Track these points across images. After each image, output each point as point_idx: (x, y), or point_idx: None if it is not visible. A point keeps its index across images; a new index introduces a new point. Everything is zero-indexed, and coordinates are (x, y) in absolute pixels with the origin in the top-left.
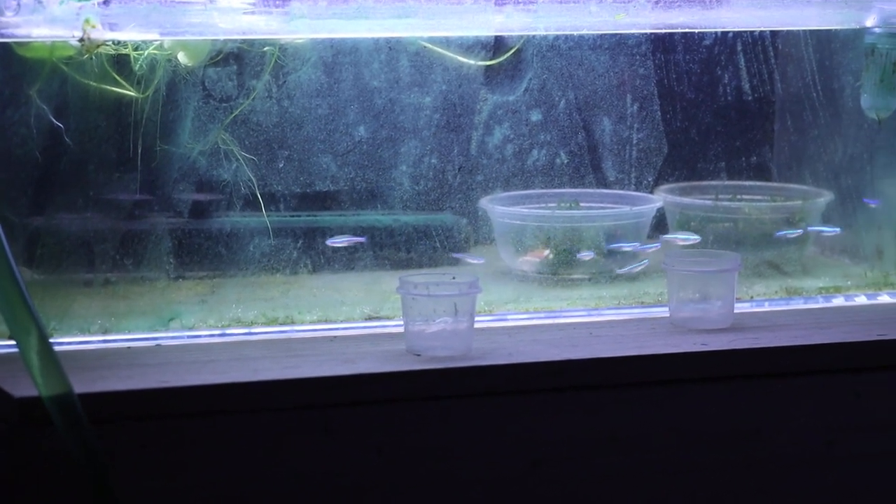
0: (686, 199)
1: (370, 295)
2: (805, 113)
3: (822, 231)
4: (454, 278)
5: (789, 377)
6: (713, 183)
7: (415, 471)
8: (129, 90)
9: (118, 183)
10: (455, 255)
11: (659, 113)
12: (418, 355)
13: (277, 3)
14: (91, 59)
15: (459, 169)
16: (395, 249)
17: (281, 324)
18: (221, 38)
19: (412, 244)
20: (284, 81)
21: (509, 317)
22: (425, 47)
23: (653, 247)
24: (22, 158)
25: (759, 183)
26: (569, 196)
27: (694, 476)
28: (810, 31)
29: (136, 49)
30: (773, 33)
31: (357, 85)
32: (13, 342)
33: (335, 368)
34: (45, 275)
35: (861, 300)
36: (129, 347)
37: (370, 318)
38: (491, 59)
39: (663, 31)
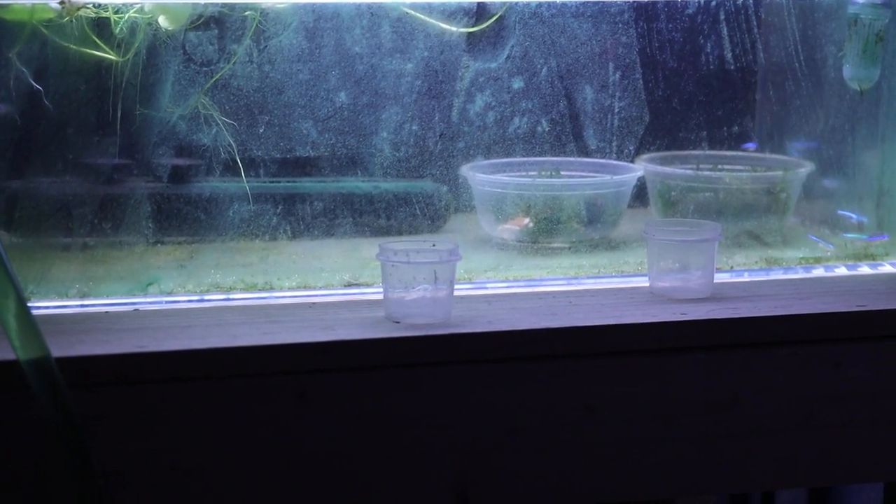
0: (667, 169)
1: (350, 262)
2: (787, 83)
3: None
4: (434, 246)
5: (769, 347)
6: (694, 152)
7: (392, 438)
8: (110, 54)
9: (97, 147)
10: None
11: (641, 82)
12: (397, 322)
13: None
14: (71, 21)
15: (440, 136)
16: (375, 216)
17: (260, 290)
18: (202, 1)
19: (392, 211)
20: (265, 46)
21: (489, 285)
22: (407, 13)
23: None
24: (1, 121)
25: (740, 153)
26: (550, 164)
27: (672, 446)
28: (793, 0)
29: (116, 12)
30: (757, 2)
31: (338, 51)
32: None
33: (314, 335)
34: (24, 238)
35: (841, 271)
36: (107, 312)
37: (349, 285)
38: (473, 26)
39: None
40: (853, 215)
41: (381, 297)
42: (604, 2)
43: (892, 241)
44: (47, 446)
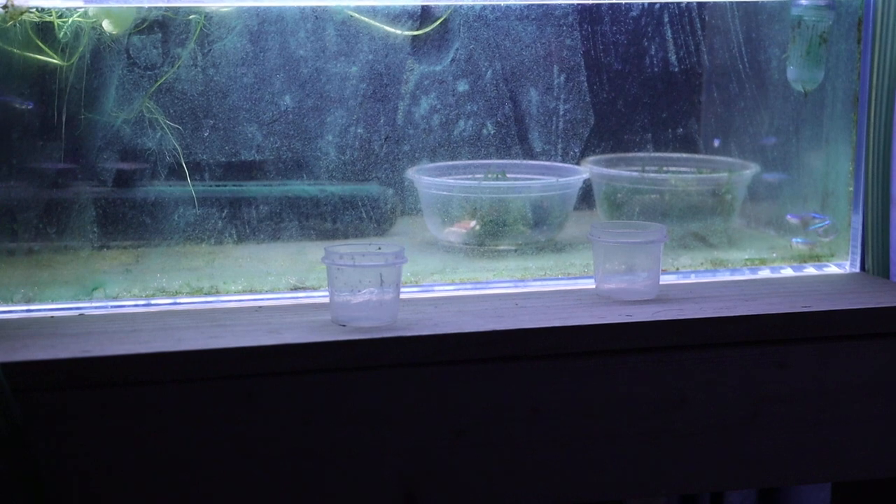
0: (613, 171)
1: (296, 265)
2: (732, 85)
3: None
4: (380, 249)
5: (714, 348)
6: (640, 154)
7: (340, 440)
8: (54, 58)
9: (42, 151)
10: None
11: (586, 84)
12: (343, 326)
13: None
14: (15, 26)
15: (386, 139)
16: (321, 220)
17: (206, 294)
18: (146, 5)
19: (338, 214)
20: (210, 50)
21: (435, 288)
22: (352, 16)
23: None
24: None
25: (685, 155)
26: (495, 167)
27: (619, 447)
28: (737, 2)
29: (60, 16)
30: (700, 5)
31: (283, 54)
32: None
33: (260, 339)
34: None
35: (787, 272)
36: (52, 317)
37: (296, 289)
38: (418, 30)
39: (591, 1)
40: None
41: (327, 300)
42: (548, 4)
43: (835, 241)
44: None
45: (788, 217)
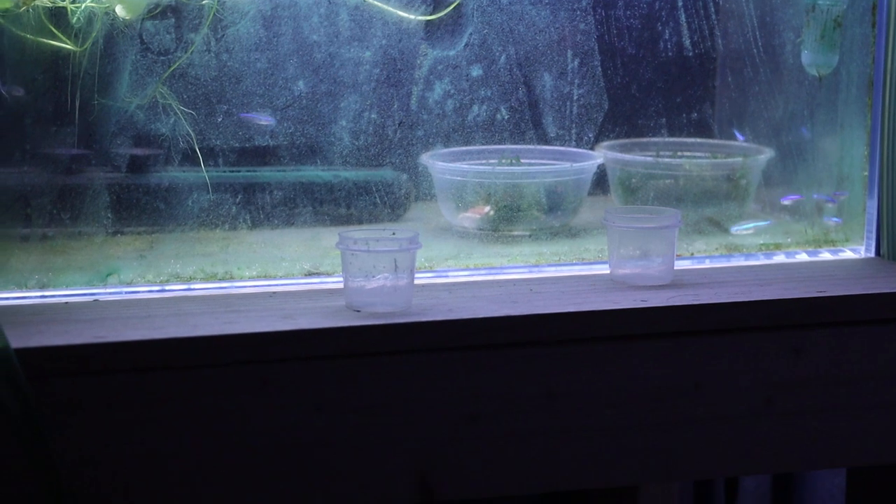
0: (627, 156)
1: (310, 251)
2: (746, 69)
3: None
4: (394, 234)
5: (729, 333)
6: (654, 139)
7: (354, 426)
8: (67, 43)
9: (55, 137)
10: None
11: (600, 69)
12: (358, 311)
13: None
14: (28, 11)
15: (400, 124)
16: (335, 205)
17: (220, 279)
18: None
19: (352, 200)
20: (223, 35)
21: (450, 273)
22: (365, 1)
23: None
24: None
25: (700, 139)
26: (509, 152)
27: (634, 432)
28: None
29: (73, 2)
30: None
31: (296, 39)
32: None
33: (274, 324)
34: None
35: (802, 257)
36: (66, 303)
37: (310, 274)
38: (431, 14)
39: None
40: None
41: (341, 286)
42: None
43: (850, 226)
44: (6, 437)
45: (782, 200)
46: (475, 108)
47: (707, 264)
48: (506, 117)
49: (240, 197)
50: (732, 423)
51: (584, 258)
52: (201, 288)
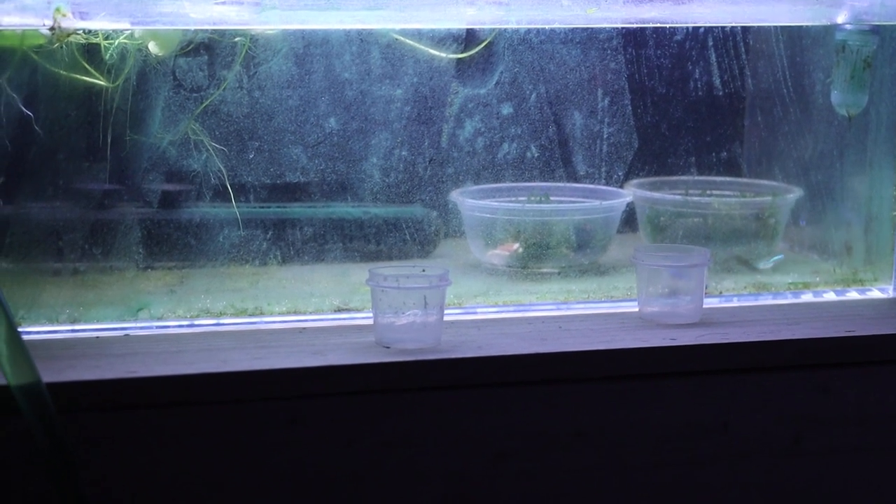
0: (656, 194)
1: (340, 286)
2: (775, 109)
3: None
4: (424, 271)
5: (757, 372)
6: (683, 178)
7: (381, 463)
8: (100, 79)
9: (87, 172)
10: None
11: (630, 107)
12: (387, 347)
13: None
14: (61, 47)
15: (430, 161)
16: (364, 241)
17: (250, 315)
18: (192, 28)
19: (382, 236)
20: (255, 72)
21: (479, 310)
22: (397, 39)
23: None
24: None
25: (729, 178)
26: (539, 190)
27: (660, 471)
28: (781, 27)
29: (106, 38)
30: (745, 29)
31: (328, 76)
32: None
33: (304, 360)
34: (14, 263)
35: (830, 296)
36: (97, 337)
37: (339, 310)
38: (462, 52)
39: (635, 25)
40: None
41: (370, 322)
42: (592, 28)
43: (878, 266)
44: (37, 472)
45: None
46: (505, 145)
47: (735, 303)
48: (535, 155)
49: (270, 233)
50: (761, 462)
51: (613, 296)
52: (231, 323)
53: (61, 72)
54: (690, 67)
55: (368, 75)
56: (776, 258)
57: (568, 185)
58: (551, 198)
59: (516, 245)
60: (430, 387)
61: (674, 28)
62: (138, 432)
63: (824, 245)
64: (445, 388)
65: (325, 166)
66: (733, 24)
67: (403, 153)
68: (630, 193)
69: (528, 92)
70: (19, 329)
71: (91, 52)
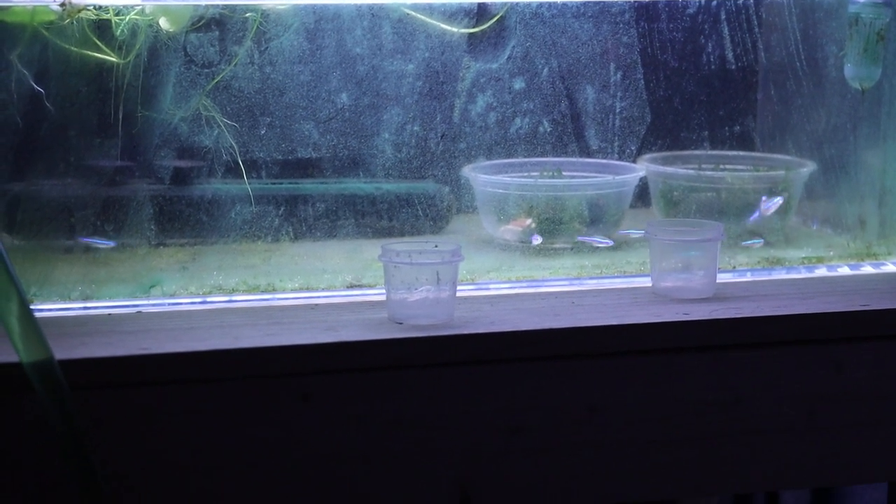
0: (669, 169)
1: (352, 263)
2: (788, 82)
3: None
4: (436, 246)
5: (771, 347)
6: (696, 152)
7: (395, 439)
8: (111, 55)
9: (99, 149)
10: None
11: (642, 82)
12: (400, 323)
13: None
14: (72, 23)
15: (442, 137)
16: (377, 217)
17: (262, 291)
18: (203, 3)
19: (394, 212)
20: (266, 48)
21: (491, 286)
22: (408, 14)
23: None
24: (2, 123)
25: (742, 153)
26: (551, 165)
27: (675, 446)
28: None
29: (117, 14)
30: (757, 2)
31: (339, 52)
32: None
33: (316, 336)
34: (26, 240)
35: (844, 270)
36: (109, 314)
37: (352, 286)
38: (474, 27)
39: None
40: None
41: (383, 298)
42: (605, 2)
43: (893, 239)
44: (50, 449)
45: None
46: (517, 120)
47: (749, 277)
48: (548, 130)
49: (282, 209)
50: (774, 437)
51: (626, 271)
52: (243, 300)
53: (72, 48)
54: (703, 41)
55: (380, 50)
56: (755, 241)
57: (580, 160)
58: (564, 173)
59: (529, 220)
60: (443, 363)
61: (686, 1)
62: (151, 409)
63: (838, 219)
64: (458, 364)
65: (336, 142)
66: None
67: (415, 128)
68: (643, 168)
69: (540, 66)
70: (31, 306)
71: (102, 28)
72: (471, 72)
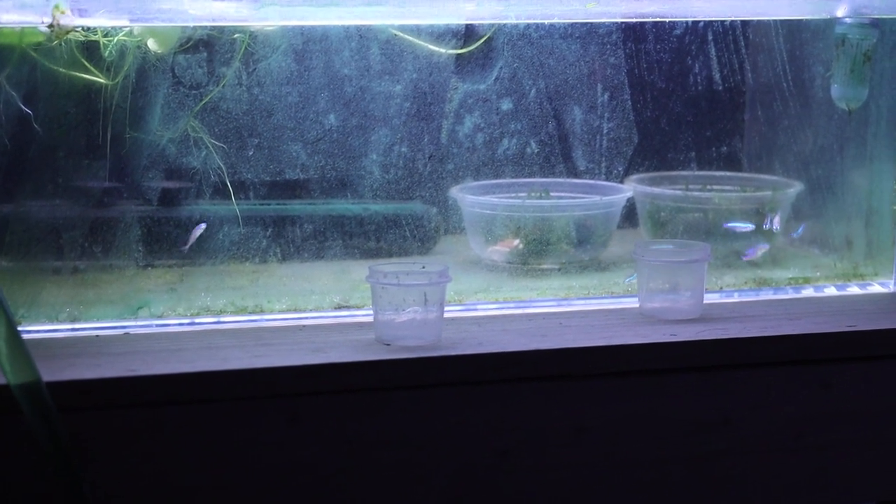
0: (656, 189)
1: (340, 284)
2: (776, 103)
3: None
4: (424, 268)
5: (758, 368)
6: (683, 173)
7: (383, 460)
8: (99, 77)
9: (87, 170)
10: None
11: (629, 102)
12: (388, 345)
13: None
14: (60, 45)
15: (430, 158)
16: (364, 238)
17: (250, 312)
18: (191, 24)
19: (382, 233)
20: (254, 69)
21: (479, 307)
22: (396, 35)
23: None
24: None
25: (729, 173)
26: (539, 185)
27: (662, 467)
28: (781, 20)
29: (105, 35)
30: (744, 23)
31: (327, 73)
32: None
33: (304, 357)
34: (14, 262)
35: (831, 291)
36: (97, 336)
37: (340, 308)
38: (462, 48)
39: (634, 20)
40: (842, 234)
41: (371, 319)
42: (592, 23)
43: (879, 260)
44: (38, 470)
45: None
46: (505, 141)
47: (736, 298)
48: (535, 151)
49: (270, 230)
50: (762, 457)
51: (614, 292)
52: (231, 321)
53: (60, 69)
54: (690, 62)
55: (368, 71)
56: (761, 246)
57: (568, 180)
58: (551, 193)
59: (516, 241)
60: (431, 384)
61: (673, 22)
62: (138, 431)
63: (825, 239)
64: (446, 386)
65: (324, 163)
66: (733, 18)
67: (403, 149)
68: (630, 189)
69: (527, 87)
70: (19, 328)
71: (90, 49)
72: (458, 93)
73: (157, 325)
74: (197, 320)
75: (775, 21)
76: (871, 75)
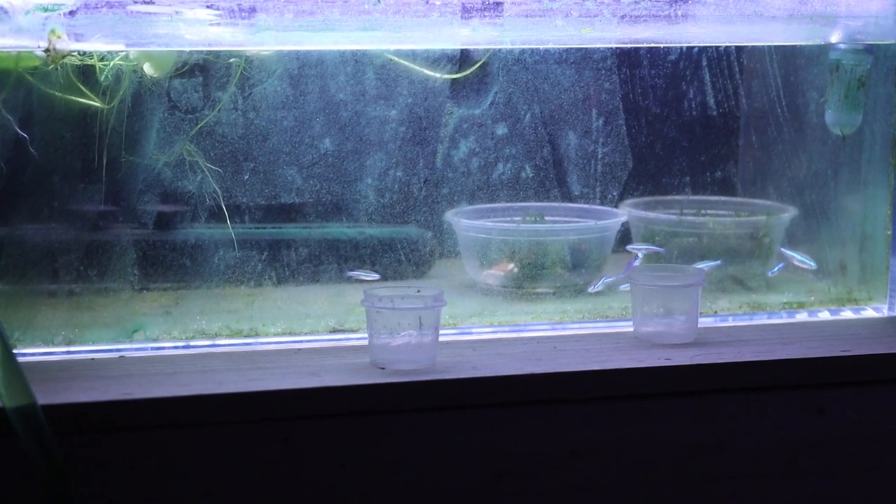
0: (651, 214)
1: (335, 307)
2: (770, 128)
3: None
4: (419, 291)
5: (753, 392)
6: (678, 198)
7: (377, 484)
8: (95, 101)
9: (83, 194)
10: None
11: (624, 127)
12: (382, 368)
13: (243, 14)
14: (57, 69)
15: (425, 182)
16: (359, 262)
17: (245, 336)
18: (187, 49)
19: (377, 257)
20: (250, 93)
21: (474, 330)
22: (391, 60)
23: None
24: None
25: (723, 198)
26: (534, 210)
27: (656, 491)
28: (775, 46)
29: (101, 60)
30: (739, 49)
31: (323, 97)
32: None
33: (299, 381)
34: (9, 285)
35: (825, 315)
36: (92, 359)
37: (335, 331)
38: (457, 73)
39: (629, 45)
40: (836, 259)
41: (366, 342)
42: (587, 48)
43: (873, 285)
44: (33, 493)
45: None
46: (500, 165)
47: (730, 322)
48: (530, 175)
49: (265, 254)
50: (757, 481)
51: (608, 316)
52: (227, 344)
53: (56, 93)
54: (685, 87)
55: (363, 96)
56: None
57: (563, 205)
58: (546, 218)
59: (511, 265)
60: (426, 408)
61: (668, 48)
62: (133, 454)
63: (819, 264)
64: (441, 409)
65: (319, 187)
66: (727, 44)
67: (398, 174)
68: (625, 213)
69: (522, 112)
70: (14, 351)
71: (86, 73)
72: (453, 117)
73: (153, 349)
74: (192, 343)
75: (770, 47)
76: (865, 101)
